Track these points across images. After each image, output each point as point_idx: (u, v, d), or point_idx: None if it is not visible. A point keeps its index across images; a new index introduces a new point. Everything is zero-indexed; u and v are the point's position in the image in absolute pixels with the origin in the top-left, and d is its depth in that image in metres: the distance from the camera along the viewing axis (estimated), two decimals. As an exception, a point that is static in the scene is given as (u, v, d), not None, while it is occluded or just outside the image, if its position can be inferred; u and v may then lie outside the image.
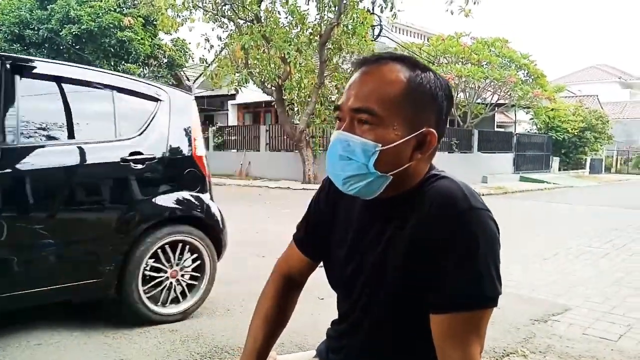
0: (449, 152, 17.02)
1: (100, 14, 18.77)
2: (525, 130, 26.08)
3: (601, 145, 25.96)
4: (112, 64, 20.81)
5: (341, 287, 1.17)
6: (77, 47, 19.64)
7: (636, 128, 35.87)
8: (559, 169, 23.92)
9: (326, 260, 1.21)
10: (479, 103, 20.34)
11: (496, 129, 24.19)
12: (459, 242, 0.94)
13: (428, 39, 22.14)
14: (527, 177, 19.64)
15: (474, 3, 12.11)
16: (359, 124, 0.99)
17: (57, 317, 3.33)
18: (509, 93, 20.03)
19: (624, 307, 4.02)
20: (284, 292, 1.30)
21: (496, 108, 21.54)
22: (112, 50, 19.56)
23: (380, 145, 0.97)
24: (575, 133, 23.75)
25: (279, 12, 14.47)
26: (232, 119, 22.85)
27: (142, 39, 20.07)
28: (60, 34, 18.80)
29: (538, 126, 24.33)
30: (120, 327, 3.22)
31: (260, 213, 9.28)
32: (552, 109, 22.43)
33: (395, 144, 0.98)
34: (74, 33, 18.57)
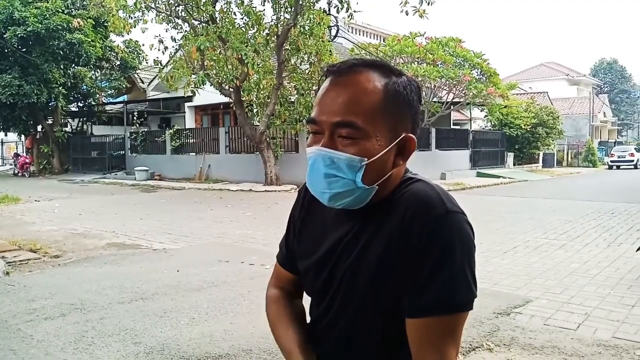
0: (407, 150, 17.23)
1: (48, 16, 18.04)
2: (481, 127, 26.79)
3: (552, 140, 26.94)
4: (62, 67, 20.09)
5: (315, 293, 1.14)
6: (23, 49, 18.84)
7: (584, 123, 37.48)
8: (514, 164, 24.67)
9: (301, 269, 1.18)
10: (435, 102, 20.72)
11: (452, 127, 24.72)
12: (435, 246, 0.93)
13: (384, 39, 22.39)
14: (483, 172, 20.15)
15: (428, 4, 12.30)
16: (340, 138, 0.96)
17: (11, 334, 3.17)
18: (463, 91, 20.50)
19: (581, 297, 4.17)
20: (286, 298, 1.24)
21: (452, 106, 21.98)
22: (62, 53, 18.86)
23: (366, 159, 0.95)
24: (528, 129, 24.55)
25: (234, 12, 14.29)
26: (190, 121, 22.42)
27: (92, 41, 19.45)
28: (5, 36, 17.99)
29: (492, 123, 25.01)
30: (80, 340, 3.09)
31: (222, 216, 9.14)
32: (505, 106, 23.08)
33: (379, 155, 0.96)
34: (19, 35, 17.79)
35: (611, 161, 30.70)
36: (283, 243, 1.27)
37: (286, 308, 1.22)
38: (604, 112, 43.91)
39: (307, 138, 1.05)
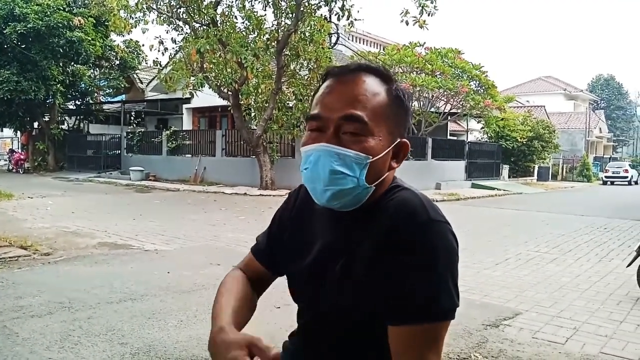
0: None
1: (49, 13, 18.04)
2: (477, 139, 26.87)
3: (548, 154, 27.06)
4: (61, 64, 20.06)
5: (304, 297, 1.14)
6: (22, 46, 18.79)
7: (579, 138, 37.67)
8: (509, 176, 24.73)
9: (289, 273, 1.18)
10: (432, 112, 20.81)
11: (449, 137, 24.81)
12: (418, 254, 0.93)
13: (384, 48, 22.49)
14: (478, 184, 20.20)
15: (428, 14, 12.36)
16: (344, 135, 0.97)
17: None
18: (461, 102, 20.61)
19: (570, 311, 4.17)
20: (247, 282, 1.21)
21: (449, 117, 22.08)
22: (61, 50, 18.83)
23: (370, 157, 0.97)
24: (524, 142, 24.66)
25: (235, 16, 14.32)
26: (187, 123, 22.41)
27: (92, 39, 19.43)
28: (4, 32, 17.94)
29: (489, 135, 25.11)
30: (67, 339, 3.07)
31: (215, 219, 9.12)
32: (502, 119, 23.21)
33: (381, 154, 0.98)
34: (19, 31, 17.75)
35: (605, 177, 30.84)
36: (263, 238, 1.25)
37: (241, 286, 1.18)
38: (600, 128, 44.16)
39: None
